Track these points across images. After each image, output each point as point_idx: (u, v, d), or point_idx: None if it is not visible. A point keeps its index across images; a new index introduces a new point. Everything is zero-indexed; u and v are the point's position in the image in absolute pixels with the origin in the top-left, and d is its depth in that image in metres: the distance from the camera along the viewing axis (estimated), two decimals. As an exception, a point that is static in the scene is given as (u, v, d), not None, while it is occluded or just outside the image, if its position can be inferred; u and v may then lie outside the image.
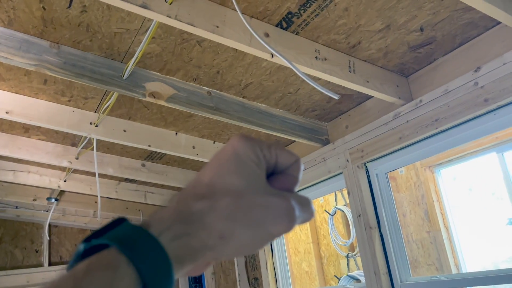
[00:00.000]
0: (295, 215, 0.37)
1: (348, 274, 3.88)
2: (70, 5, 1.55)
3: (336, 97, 1.39)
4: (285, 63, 1.40)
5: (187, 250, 0.34)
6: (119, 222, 0.34)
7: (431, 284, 2.03)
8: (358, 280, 3.63)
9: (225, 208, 0.35)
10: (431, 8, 1.60)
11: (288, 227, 0.37)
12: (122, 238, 0.32)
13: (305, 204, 0.39)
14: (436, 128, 1.91)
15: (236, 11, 1.44)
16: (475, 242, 3.49)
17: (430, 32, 1.75)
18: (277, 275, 3.15)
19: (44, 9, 1.56)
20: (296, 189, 0.41)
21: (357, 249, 3.83)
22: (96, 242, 0.32)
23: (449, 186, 3.63)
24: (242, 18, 1.35)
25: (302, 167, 0.42)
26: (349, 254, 4.00)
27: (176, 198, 0.37)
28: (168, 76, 2.03)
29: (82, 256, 0.33)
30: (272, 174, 0.41)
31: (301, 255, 4.43)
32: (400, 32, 1.74)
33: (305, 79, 1.30)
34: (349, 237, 3.93)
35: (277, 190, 0.38)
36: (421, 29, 1.73)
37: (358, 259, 3.84)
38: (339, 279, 3.91)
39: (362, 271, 2.33)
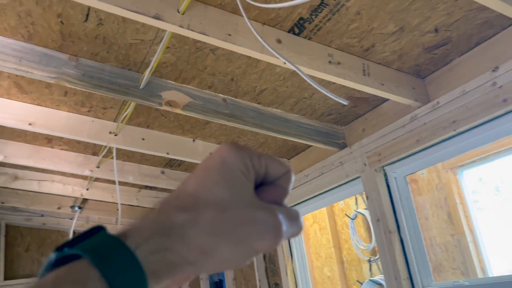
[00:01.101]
0: (282, 230, 0.35)
1: (371, 278, 3.82)
2: (86, 19, 1.59)
3: (345, 102, 1.38)
4: (293, 68, 1.40)
5: (165, 265, 0.32)
6: (96, 231, 0.32)
7: (454, 289, 1.98)
8: (381, 285, 3.57)
9: (208, 222, 0.33)
10: (444, 9, 1.58)
11: (274, 243, 0.35)
12: (96, 249, 0.30)
13: (294, 218, 0.37)
14: (454, 130, 1.87)
15: (248, 19, 1.46)
16: (505, 245, 3.38)
17: (445, 32, 1.72)
18: (297, 281, 3.14)
19: (62, 23, 1.61)
20: (286, 201, 0.39)
21: (379, 254, 3.76)
22: (68, 252, 0.31)
23: (474, 187, 3.54)
24: (251, 28, 1.36)
25: (293, 178, 0.40)
26: (371, 259, 3.94)
27: (158, 207, 0.35)
28: (184, 85, 2.06)
29: (54, 265, 0.31)
30: (261, 184, 0.38)
31: (322, 260, 4.39)
32: (414, 34, 1.73)
33: (313, 84, 1.30)
34: (370, 241, 3.87)
35: (265, 203, 0.36)
36: (436, 30, 1.71)
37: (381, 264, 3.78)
38: (362, 284, 3.86)
39: (383, 276, 2.29)
